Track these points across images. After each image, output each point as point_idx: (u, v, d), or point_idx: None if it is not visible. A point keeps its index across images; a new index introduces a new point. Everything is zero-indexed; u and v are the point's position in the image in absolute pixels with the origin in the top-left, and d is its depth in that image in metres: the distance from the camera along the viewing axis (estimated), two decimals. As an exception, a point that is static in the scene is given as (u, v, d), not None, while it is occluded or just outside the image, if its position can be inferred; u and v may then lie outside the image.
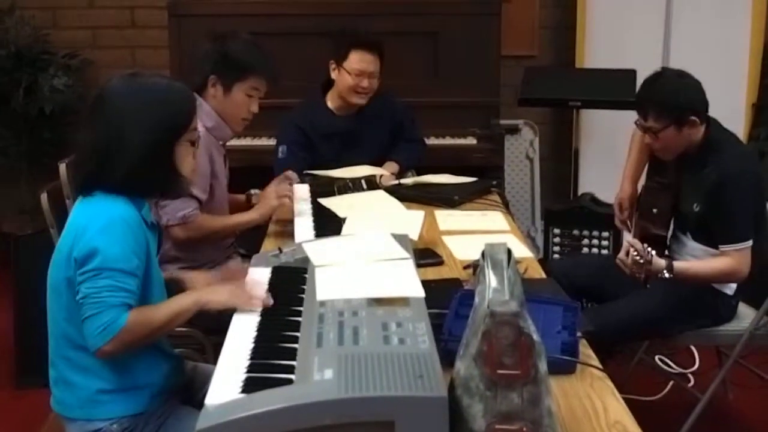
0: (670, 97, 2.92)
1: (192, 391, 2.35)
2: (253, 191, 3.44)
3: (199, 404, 1.63)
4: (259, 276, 2.31)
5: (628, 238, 2.87)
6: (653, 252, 2.82)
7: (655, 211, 3.15)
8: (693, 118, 2.92)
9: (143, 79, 2.20)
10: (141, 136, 2.09)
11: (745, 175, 2.94)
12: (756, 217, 2.96)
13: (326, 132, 3.84)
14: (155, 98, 2.15)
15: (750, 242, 2.92)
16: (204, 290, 2.23)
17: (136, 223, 2.09)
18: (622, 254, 2.86)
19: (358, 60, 3.74)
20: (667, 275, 2.84)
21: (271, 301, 2.09)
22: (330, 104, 3.89)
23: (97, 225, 2.03)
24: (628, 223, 3.43)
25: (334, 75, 3.81)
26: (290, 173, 3.32)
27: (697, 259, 3.03)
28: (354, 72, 3.74)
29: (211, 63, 3.08)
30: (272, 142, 3.98)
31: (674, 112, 2.91)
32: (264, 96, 3.18)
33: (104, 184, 2.10)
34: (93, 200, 2.10)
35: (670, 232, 3.18)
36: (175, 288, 2.37)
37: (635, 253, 2.78)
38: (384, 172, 3.72)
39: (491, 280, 1.60)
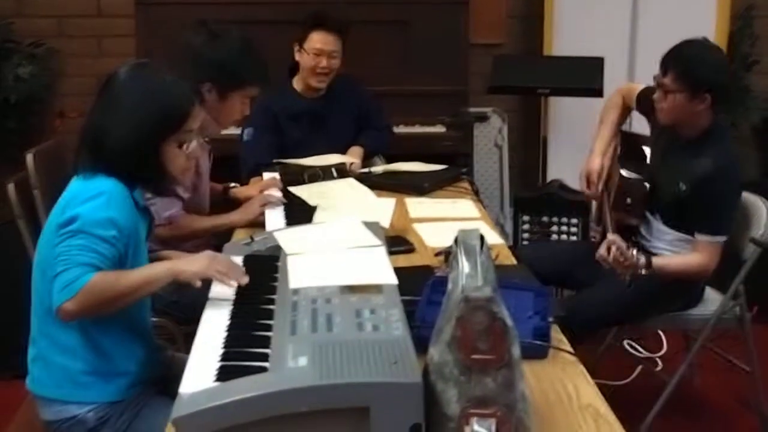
0: (696, 66, 2.89)
1: (168, 381, 2.33)
2: (232, 184, 3.45)
3: (175, 394, 1.62)
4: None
5: (610, 237, 2.83)
6: (635, 253, 2.79)
7: (629, 201, 3.14)
8: (706, 95, 2.89)
9: (149, 71, 2.21)
10: (130, 126, 2.11)
11: (736, 171, 2.98)
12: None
13: (293, 113, 3.83)
14: (154, 92, 2.16)
15: (724, 239, 2.94)
16: (179, 260, 2.20)
17: (124, 199, 2.10)
18: (602, 251, 2.79)
19: (317, 40, 3.75)
20: (644, 272, 2.83)
21: (246, 279, 2.10)
22: (297, 87, 3.89)
23: (85, 195, 2.06)
24: (604, 196, 3.33)
25: (297, 57, 3.82)
26: (275, 179, 3.33)
27: (664, 243, 3.06)
28: (313, 51, 3.75)
29: (207, 70, 3.00)
30: (238, 131, 3.94)
31: (693, 81, 2.88)
32: None
33: (94, 165, 2.11)
34: (85, 178, 2.12)
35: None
36: None
37: (618, 254, 2.73)
38: (354, 160, 3.72)
39: (464, 266, 1.61)
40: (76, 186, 2.13)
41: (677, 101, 2.92)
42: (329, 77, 3.82)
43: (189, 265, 2.12)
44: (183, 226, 3.03)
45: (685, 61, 2.91)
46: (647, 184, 3.10)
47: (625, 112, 3.41)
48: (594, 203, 3.35)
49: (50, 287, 1.99)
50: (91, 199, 2.05)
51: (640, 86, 3.32)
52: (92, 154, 2.13)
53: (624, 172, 3.17)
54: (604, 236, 3.02)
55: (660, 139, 3.15)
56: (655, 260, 2.88)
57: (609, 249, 2.76)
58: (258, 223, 3.01)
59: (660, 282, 3.01)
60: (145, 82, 2.17)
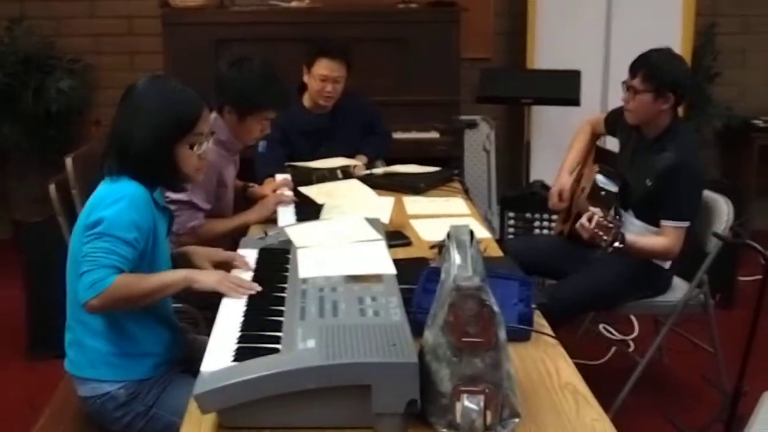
0: (662, 69, 2.93)
1: (191, 361, 2.32)
2: (250, 184, 3.42)
3: (197, 373, 1.62)
4: (247, 259, 2.30)
5: (592, 209, 2.83)
6: (616, 218, 2.82)
7: (603, 193, 3.13)
8: (670, 94, 2.92)
9: (162, 82, 2.22)
10: (148, 130, 2.11)
11: (698, 163, 3.00)
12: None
13: (302, 129, 3.79)
14: (167, 100, 2.15)
15: (687, 223, 2.93)
16: (197, 270, 2.21)
17: (145, 202, 2.10)
18: (583, 220, 2.77)
19: (323, 66, 3.67)
20: (618, 245, 2.81)
21: (257, 289, 2.07)
22: (306, 104, 3.85)
23: (110, 199, 2.06)
24: (569, 210, 3.37)
25: (305, 79, 3.77)
26: (287, 180, 3.28)
27: (634, 234, 3.04)
28: (319, 77, 3.68)
29: (227, 94, 2.98)
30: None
31: (659, 81, 2.91)
32: None
33: (119, 168, 2.12)
34: (111, 181, 2.12)
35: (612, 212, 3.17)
36: (183, 261, 2.35)
37: (602, 219, 2.72)
38: (357, 163, 3.71)
39: (456, 258, 1.60)
40: (103, 189, 2.12)
41: (644, 101, 2.95)
42: (335, 98, 3.79)
43: (204, 276, 2.13)
44: (206, 231, 3.00)
45: (652, 64, 2.95)
46: (618, 183, 3.09)
47: (593, 139, 3.48)
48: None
49: (78, 282, 2.00)
50: (116, 202, 2.04)
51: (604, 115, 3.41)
52: (118, 157, 2.13)
53: (598, 171, 3.15)
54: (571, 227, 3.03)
55: (628, 143, 3.16)
56: (628, 236, 2.87)
57: (590, 219, 2.75)
58: (271, 220, 3.00)
59: (632, 271, 3.00)
60: (160, 92, 2.17)
